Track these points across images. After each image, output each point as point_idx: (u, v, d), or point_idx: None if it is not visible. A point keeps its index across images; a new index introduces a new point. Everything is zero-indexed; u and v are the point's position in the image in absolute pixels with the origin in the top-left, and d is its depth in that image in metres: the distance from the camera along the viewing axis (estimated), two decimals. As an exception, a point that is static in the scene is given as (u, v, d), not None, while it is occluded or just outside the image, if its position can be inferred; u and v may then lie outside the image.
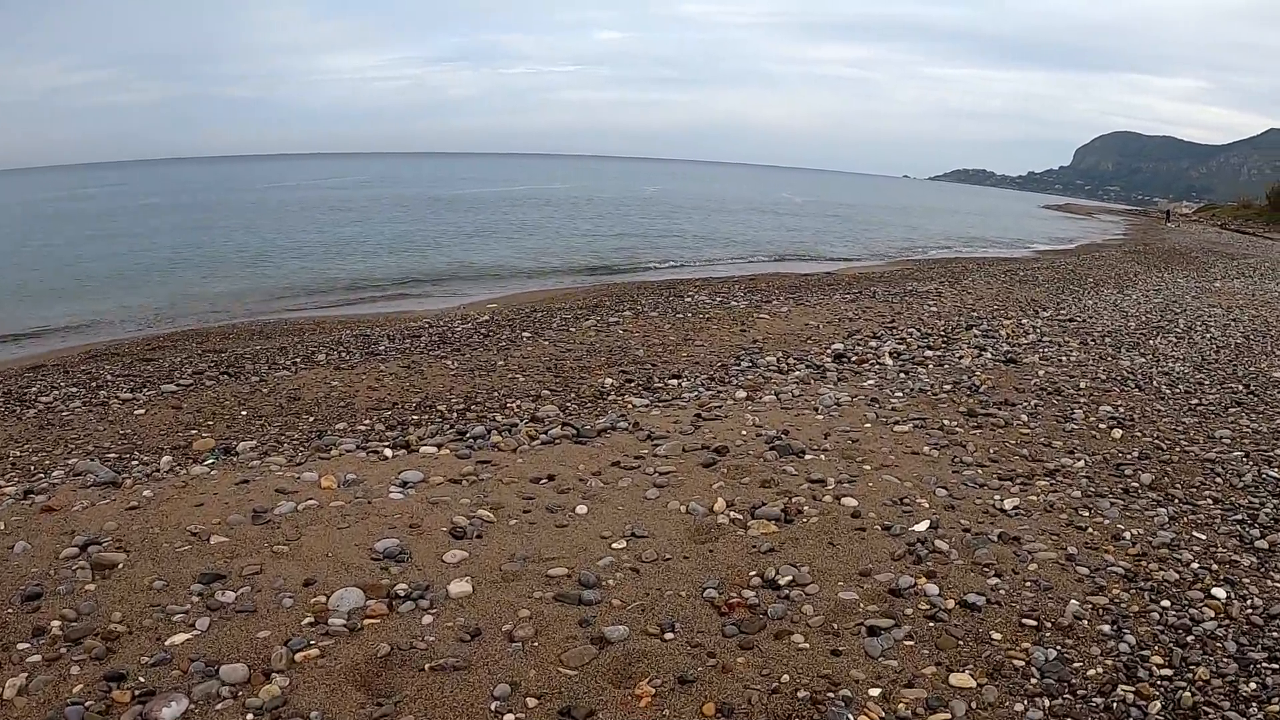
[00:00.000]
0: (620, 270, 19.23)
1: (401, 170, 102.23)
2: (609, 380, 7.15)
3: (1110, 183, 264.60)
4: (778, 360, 7.94)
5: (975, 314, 11.16)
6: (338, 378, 7.22)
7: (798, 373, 7.46)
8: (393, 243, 23.63)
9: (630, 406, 6.30)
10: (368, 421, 6.12)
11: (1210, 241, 35.55)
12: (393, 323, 11.39)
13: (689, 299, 12.19)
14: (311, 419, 6.27)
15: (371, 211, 35.62)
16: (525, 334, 9.11)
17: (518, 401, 6.48)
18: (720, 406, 6.13)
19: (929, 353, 8.37)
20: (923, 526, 4.02)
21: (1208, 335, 10.59)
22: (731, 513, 4.11)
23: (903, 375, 7.33)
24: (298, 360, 8.06)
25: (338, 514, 4.13)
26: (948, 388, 6.88)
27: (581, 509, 4.15)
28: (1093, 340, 9.60)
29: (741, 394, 6.57)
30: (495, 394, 6.77)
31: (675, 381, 7.17)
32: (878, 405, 6.23)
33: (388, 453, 5.10)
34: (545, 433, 5.40)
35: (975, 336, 9.38)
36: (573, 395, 6.72)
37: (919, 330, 9.68)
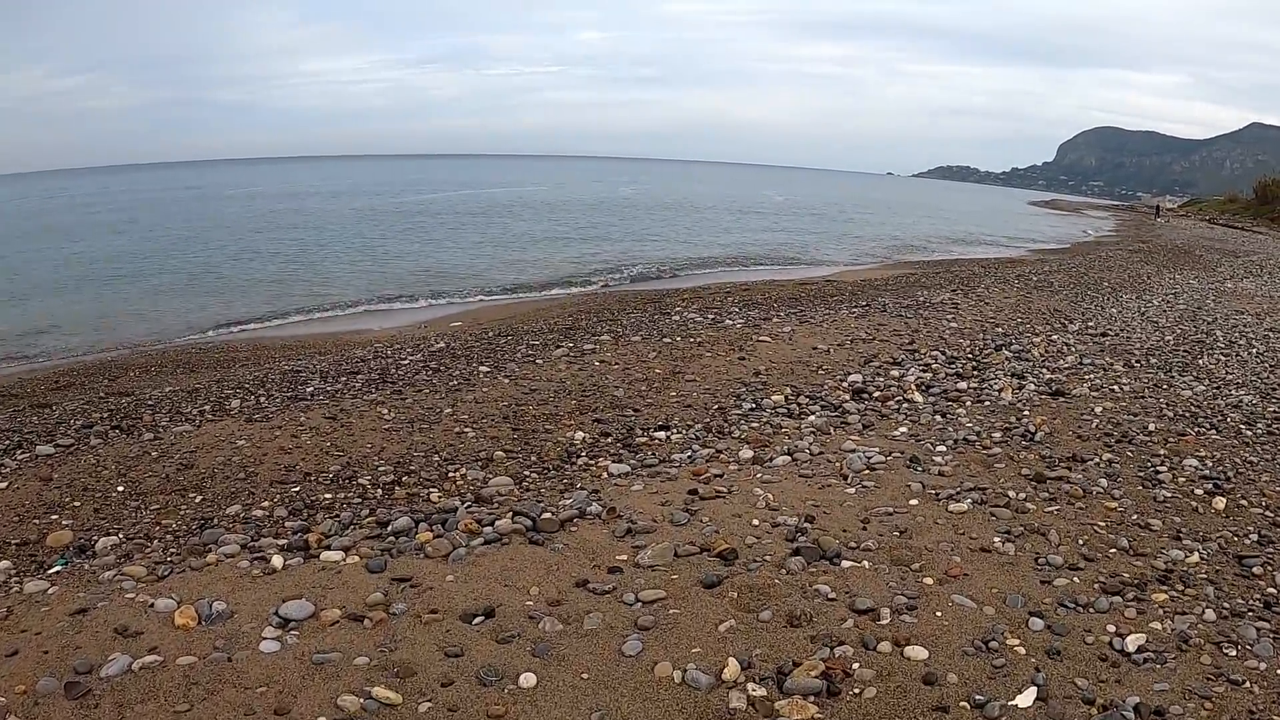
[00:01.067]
0: (598, 281, 17.81)
1: (380, 174, 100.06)
2: (580, 434, 5.77)
3: (1094, 178, 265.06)
4: (786, 400, 6.62)
5: (1000, 329, 9.92)
6: (247, 434, 5.84)
7: (812, 417, 6.15)
8: (357, 253, 22.09)
9: (604, 476, 4.96)
10: (268, 502, 4.77)
11: (1205, 237, 34.67)
12: (339, 348, 10.02)
13: (676, 316, 10.78)
14: (200, 498, 4.91)
15: (341, 219, 33.95)
16: (483, 368, 7.69)
17: (462, 470, 5.11)
18: (722, 475, 4.81)
19: (961, 384, 7.09)
20: (1028, 699, 2.74)
21: (1252, 350, 9.52)
22: (750, 685, 2.78)
23: (939, 418, 6.05)
24: (206, 409, 6.66)
25: (182, 682, 2.86)
26: (997, 435, 5.62)
27: (528, 678, 2.82)
28: (1136, 360, 8.44)
29: (747, 453, 5.25)
30: (436, 457, 5.39)
31: (663, 434, 5.82)
32: (919, 467, 4.95)
33: (277, 560, 3.78)
34: (491, 524, 4.07)
35: (1008, 360, 8.12)
36: (533, 459, 5.35)
37: (943, 353, 8.40)
